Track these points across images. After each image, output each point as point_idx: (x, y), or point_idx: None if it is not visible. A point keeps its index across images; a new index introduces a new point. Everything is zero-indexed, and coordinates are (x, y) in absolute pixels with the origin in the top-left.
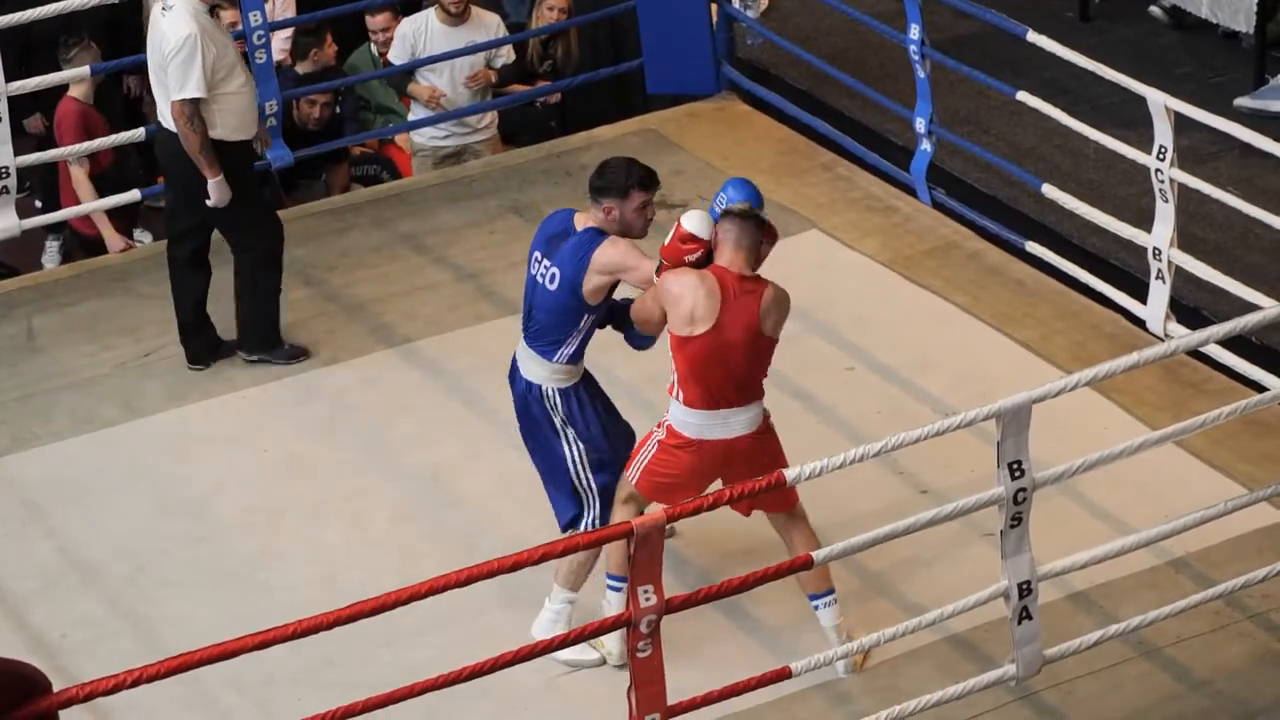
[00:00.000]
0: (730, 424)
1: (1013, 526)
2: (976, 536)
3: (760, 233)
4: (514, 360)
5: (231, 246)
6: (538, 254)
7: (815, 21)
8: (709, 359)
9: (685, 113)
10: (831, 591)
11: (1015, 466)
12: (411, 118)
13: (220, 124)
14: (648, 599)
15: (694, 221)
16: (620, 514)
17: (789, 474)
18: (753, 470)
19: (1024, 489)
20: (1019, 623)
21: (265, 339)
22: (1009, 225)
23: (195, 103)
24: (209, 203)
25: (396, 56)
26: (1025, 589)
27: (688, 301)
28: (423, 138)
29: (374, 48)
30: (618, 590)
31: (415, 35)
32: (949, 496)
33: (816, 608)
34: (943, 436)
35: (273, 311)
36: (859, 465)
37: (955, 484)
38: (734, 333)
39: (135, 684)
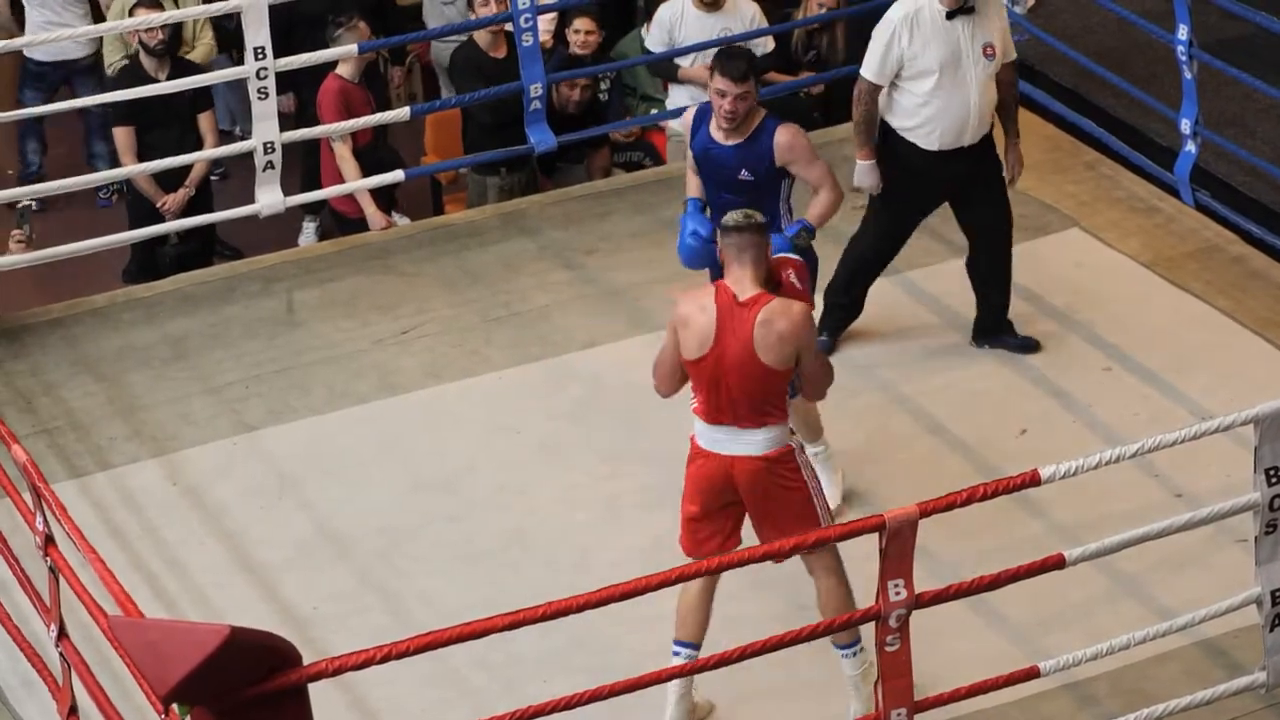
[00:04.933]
0: (729, 443)
1: (1268, 533)
2: (1230, 542)
3: (760, 240)
4: None
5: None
6: None
7: (1082, 19)
8: (708, 379)
9: None
10: (857, 642)
11: (1273, 473)
12: (670, 104)
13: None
14: (898, 593)
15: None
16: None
17: (1044, 472)
18: (756, 499)
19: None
20: (1270, 630)
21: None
22: (1273, 230)
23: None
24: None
25: (654, 43)
26: (1278, 596)
27: (693, 326)
28: (678, 123)
29: (643, 34)
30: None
31: (672, 21)
32: (1204, 501)
33: (842, 656)
34: (1199, 440)
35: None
36: (1114, 466)
37: (1210, 488)
38: (729, 355)
39: (384, 660)
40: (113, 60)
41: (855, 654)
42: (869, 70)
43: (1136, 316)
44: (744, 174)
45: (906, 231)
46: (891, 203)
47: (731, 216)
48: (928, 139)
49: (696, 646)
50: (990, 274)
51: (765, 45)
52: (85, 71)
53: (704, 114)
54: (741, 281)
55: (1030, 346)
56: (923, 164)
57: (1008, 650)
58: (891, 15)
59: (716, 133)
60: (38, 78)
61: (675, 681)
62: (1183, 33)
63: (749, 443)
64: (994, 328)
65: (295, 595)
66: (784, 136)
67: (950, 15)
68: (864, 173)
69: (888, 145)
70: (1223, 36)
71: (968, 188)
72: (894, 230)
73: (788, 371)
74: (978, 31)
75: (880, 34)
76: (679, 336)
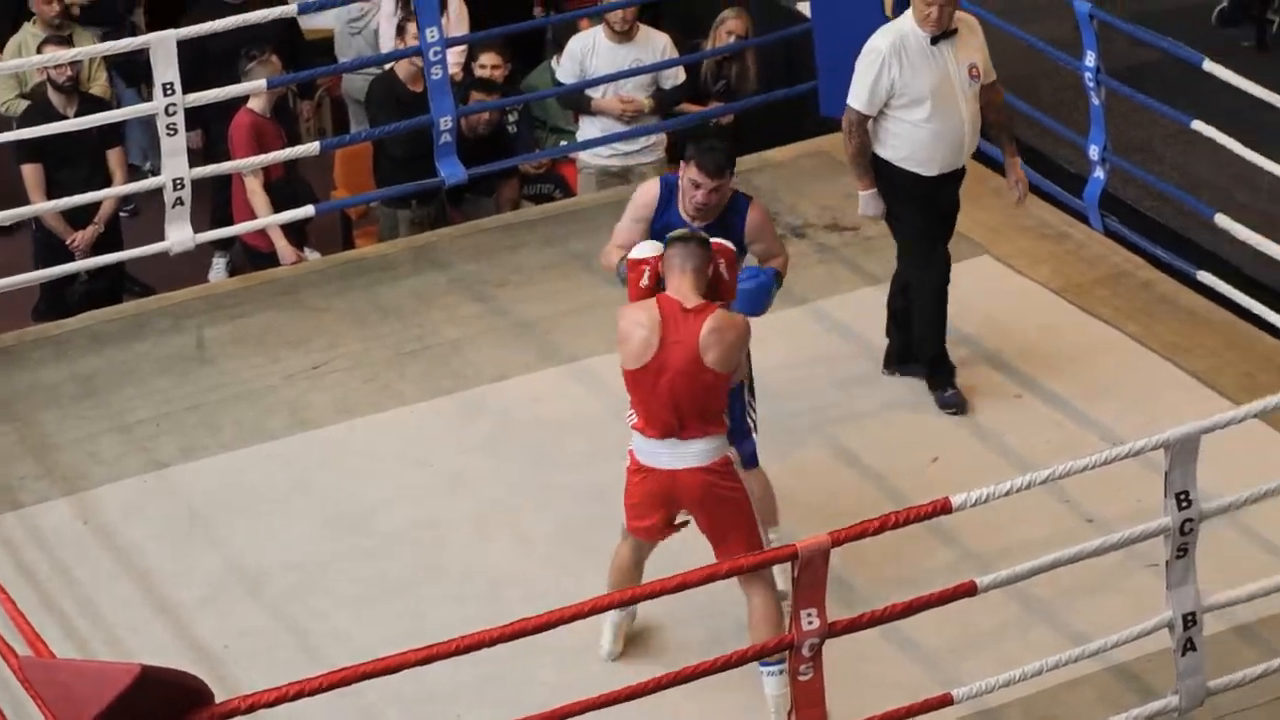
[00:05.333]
0: (674, 455)
1: (1179, 557)
2: (1141, 567)
3: (706, 254)
4: None
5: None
6: None
7: (990, 46)
8: (651, 388)
9: None
10: (782, 662)
11: (1183, 497)
12: (580, 136)
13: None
14: (811, 622)
15: (641, 248)
16: (621, 543)
17: (956, 500)
18: (705, 512)
19: (1191, 520)
20: (1183, 654)
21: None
22: (1181, 254)
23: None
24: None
25: (565, 74)
26: (1190, 620)
27: (635, 338)
28: (589, 155)
29: (553, 65)
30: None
31: (584, 52)
32: (1115, 526)
33: (766, 675)
34: (1110, 465)
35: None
36: (1025, 493)
37: (1121, 513)
38: (674, 363)
39: (297, 697)
40: (4, 99)
41: (778, 674)
42: (858, 101)
43: (1046, 343)
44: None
45: (942, 234)
46: (910, 224)
47: (680, 230)
48: (927, 165)
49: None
50: (940, 306)
51: (676, 76)
52: None
53: (671, 189)
54: (683, 290)
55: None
56: (924, 189)
57: (921, 678)
58: (877, 45)
59: (684, 214)
60: None
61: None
62: (1090, 59)
63: (690, 454)
64: (907, 356)
65: (207, 633)
66: (755, 215)
67: (934, 40)
68: (868, 202)
69: (886, 180)
70: (1130, 63)
71: (951, 208)
72: (937, 253)
73: (728, 379)
74: (960, 54)
75: (867, 64)
76: (620, 352)
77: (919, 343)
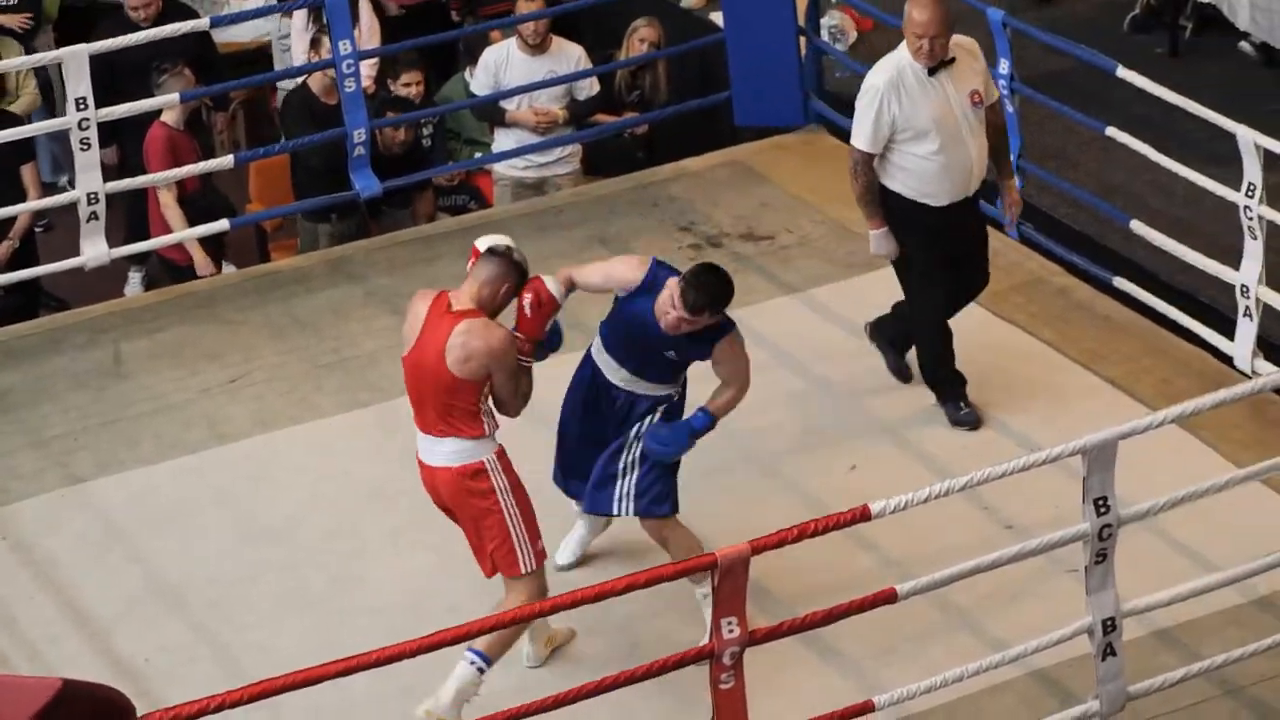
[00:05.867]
0: (430, 450)
1: (1097, 563)
2: (1060, 572)
3: (500, 270)
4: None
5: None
6: None
7: None
8: (408, 379)
9: (773, 145)
10: (487, 657)
11: (1101, 503)
12: (495, 148)
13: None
14: (731, 631)
15: (483, 240)
16: None
17: (875, 507)
18: (459, 512)
19: (1109, 525)
20: (1103, 659)
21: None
22: (1097, 261)
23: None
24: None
25: (480, 86)
26: (1109, 625)
27: (405, 327)
28: (504, 166)
29: (467, 77)
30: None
31: (497, 65)
32: (1033, 532)
33: (466, 660)
34: (1028, 472)
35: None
36: (944, 500)
37: (1040, 519)
38: (424, 358)
39: (218, 710)
40: None
41: (472, 664)
42: (860, 140)
43: (963, 351)
44: (670, 354)
45: (949, 278)
46: (919, 264)
47: (502, 243)
48: (938, 197)
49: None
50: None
51: (590, 87)
52: None
53: (655, 280)
54: (463, 293)
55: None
56: (936, 221)
57: (842, 685)
58: (875, 82)
59: (656, 313)
60: None
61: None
62: (1004, 67)
63: (441, 453)
64: (895, 337)
65: (128, 647)
66: (725, 346)
67: (932, 71)
68: (879, 241)
69: (895, 213)
70: (1044, 70)
71: (963, 235)
72: (938, 286)
73: (474, 385)
74: (960, 82)
75: (866, 102)
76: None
77: (922, 368)
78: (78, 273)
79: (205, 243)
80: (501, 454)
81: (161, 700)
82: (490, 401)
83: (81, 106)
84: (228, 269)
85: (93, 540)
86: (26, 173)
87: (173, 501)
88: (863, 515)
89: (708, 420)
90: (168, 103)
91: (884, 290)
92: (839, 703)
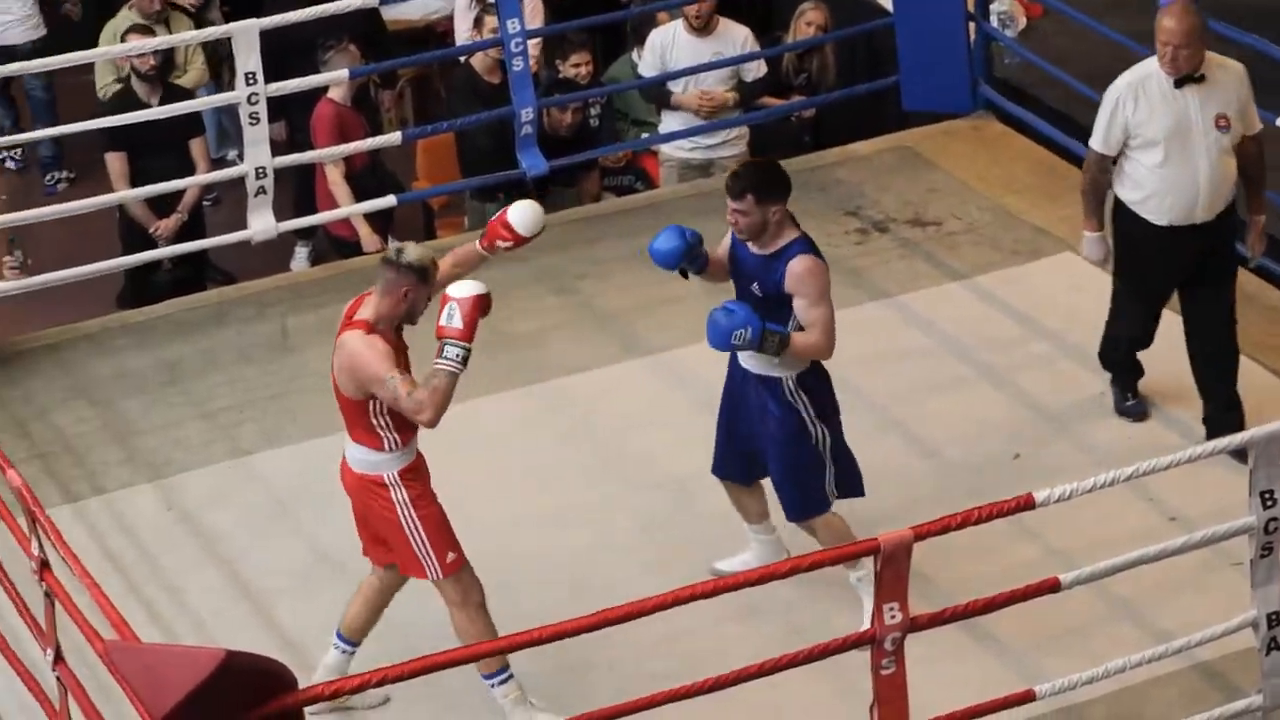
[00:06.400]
0: (347, 447)
1: (1263, 556)
2: (1225, 566)
3: (390, 277)
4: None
5: None
6: None
7: (1073, 42)
8: None
9: (941, 131)
10: (504, 670)
11: (1267, 496)
12: (662, 129)
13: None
14: (893, 616)
15: (457, 287)
16: None
17: (1039, 495)
18: (364, 515)
19: (1276, 519)
20: (1267, 653)
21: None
22: (1269, 254)
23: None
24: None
25: (646, 68)
26: (1275, 619)
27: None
28: (670, 147)
29: (634, 58)
30: (338, 647)
31: (664, 46)
32: (1198, 524)
33: (491, 687)
34: (1194, 463)
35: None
36: (1109, 490)
37: (1205, 512)
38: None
39: (380, 683)
40: (104, 83)
41: (502, 683)
42: (1095, 139)
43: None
44: (755, 288)
45: (1156, 308)
46: (1130, 281)
47: (391, 251)
48: (1156, 213)
49: (354, 644)
50: (1207, 368)
51: (757, 70)
52: (24, 56)
53: None
54: (366, 302)
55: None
56: (1153, 241)
57: (1003, 674)
58: (1118, 82)
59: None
60: None
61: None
62: None
63: (350, 455)
64: (1224, 424)
65: (291, 620)
66: (799, 266)
67: (1178, 84)
68: (1091, 245)
69: (1117, 220)
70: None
71: (1198, 270)
72: (1145, 310)
73: (350, 401)
74: (1208, 102)
75: (1105, 102)
76: None
77: (1103, 345)
78: (244, 247)
79: (372, 219)
80: (408, 470)
81: None
82: (387, 415)
83: (251, 81)
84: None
85: (258, 513)
86: (195, 146)
87: (336, 476)
88: (1026, 504)
89: (781, 333)
90: (336, 79)
91: (1050, 278)
92: (999, 691)
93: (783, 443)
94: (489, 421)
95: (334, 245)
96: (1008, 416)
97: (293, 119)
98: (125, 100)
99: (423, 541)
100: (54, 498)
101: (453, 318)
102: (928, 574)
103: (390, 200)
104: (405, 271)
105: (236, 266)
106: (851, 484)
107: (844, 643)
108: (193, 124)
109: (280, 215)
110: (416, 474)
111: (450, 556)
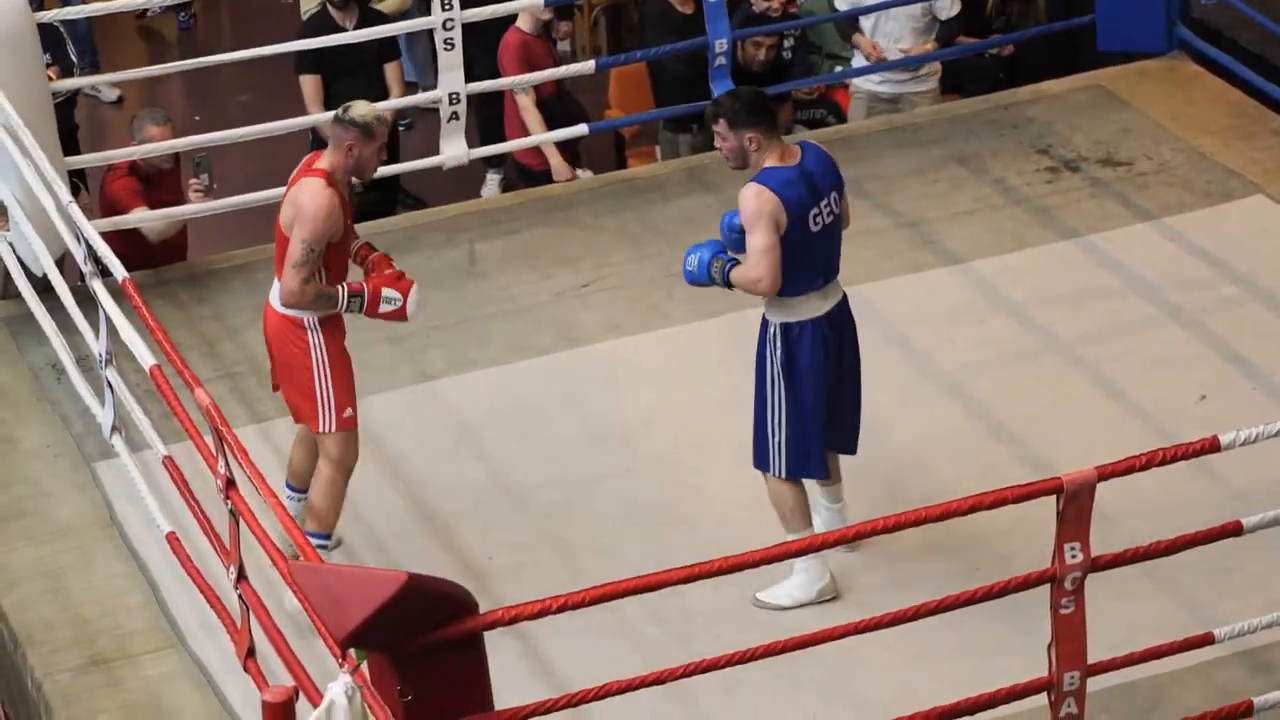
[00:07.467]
0: (272, 290)
1: None
2: None
3: (337, 132)
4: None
5: None
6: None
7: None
8: None
9: (1135, 71)
10: (327, 536)
11: None
12: (855, 63)
13: None
14: (1074, 556)
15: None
16: None
17: (1224, 438)
18: (277, 358)
19: None
20: None
21: None
22: None
23: None
24: None
25: (841, 1)
26: None
27: None
28: (861, 80)
29: None
30: (292, 498)
31: None
32: None
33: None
34: None
35: None
36: None
37: None
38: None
39: (560, 611)
40: (308, 6)
41: (321, 546)
42: None
43: None
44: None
45: None
46: None
47: (340, 109)
48: None
49: (303, 491)
50: None
51: (952, 8)
52: None
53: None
54: (324, 155)
55: None
56: None
57: (1181, 617)
58: None
59: None
60: None
61: None
62: None
63: (276, 292)
64: None
65: (471, 545)
66: (742, 194)
67: None
68: None
69: None
70: None
71: None
72: None
73: (287, 240)
74: None
75: None
76: None
77: None
78: (435, 172)
79: (561, 148)
80: (328, 319)
81: (502, 599)
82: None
83: (446, 6)
84: (583, 174)
85: (441, 437)
86: (390, 71)
87: (520, 403)
88: (1212, 446)
89: (726, 262)
90: (530, 6)
91: (1241, 222)
92: (1178, 634)
93: (755, 385)
94: (677, 352)
95: (522, 174)
96: (1193, 358)
97: (472, 47)
98: (322, 22)
99: (327, 390)
100: (241, 417)
101: (391, 300)
102: (1109, 515)
103: (582, 129)
104: (349, 126)
105: (427, 192)
106: (803, 466)
107: (1024, 581)
108: (387, 49)
109: (469, 143)
110: (335, 324)
111: (348, 413)
